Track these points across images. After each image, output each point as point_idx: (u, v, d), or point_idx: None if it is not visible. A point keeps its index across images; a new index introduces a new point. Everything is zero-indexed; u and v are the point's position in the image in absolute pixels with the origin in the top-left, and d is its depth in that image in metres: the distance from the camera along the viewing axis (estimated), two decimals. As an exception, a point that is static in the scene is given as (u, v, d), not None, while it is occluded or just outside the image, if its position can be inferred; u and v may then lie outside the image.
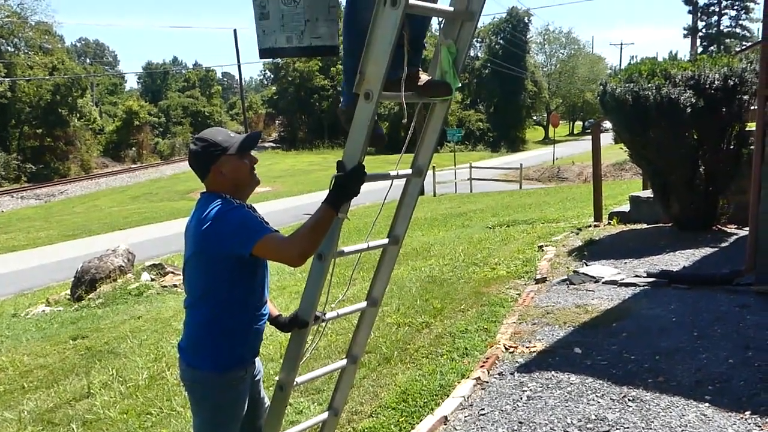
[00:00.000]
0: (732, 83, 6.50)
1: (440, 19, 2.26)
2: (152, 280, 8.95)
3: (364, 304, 2.67)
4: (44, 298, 9.52)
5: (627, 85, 6.80)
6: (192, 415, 2.51)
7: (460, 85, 2.30)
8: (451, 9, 2.20)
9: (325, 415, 2.98)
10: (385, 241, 2.55)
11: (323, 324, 2.53)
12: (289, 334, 2.52)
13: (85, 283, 8.88)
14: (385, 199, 2.61)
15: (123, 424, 3.89)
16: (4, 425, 4.15)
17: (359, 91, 2.03)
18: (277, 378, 2.60)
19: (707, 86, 6.50)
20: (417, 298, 5.74)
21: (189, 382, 2.39)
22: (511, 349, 4.24)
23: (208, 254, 2.20)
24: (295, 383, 2.57)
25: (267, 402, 2.65)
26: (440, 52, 2.25)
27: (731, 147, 6.81)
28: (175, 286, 8.61)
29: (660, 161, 6.91)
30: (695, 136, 6.78)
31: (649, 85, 6.63)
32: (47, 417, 4.20)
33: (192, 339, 2.34)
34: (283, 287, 7.43)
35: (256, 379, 2.53)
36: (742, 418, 3.05)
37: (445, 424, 3.33)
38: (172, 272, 9.11)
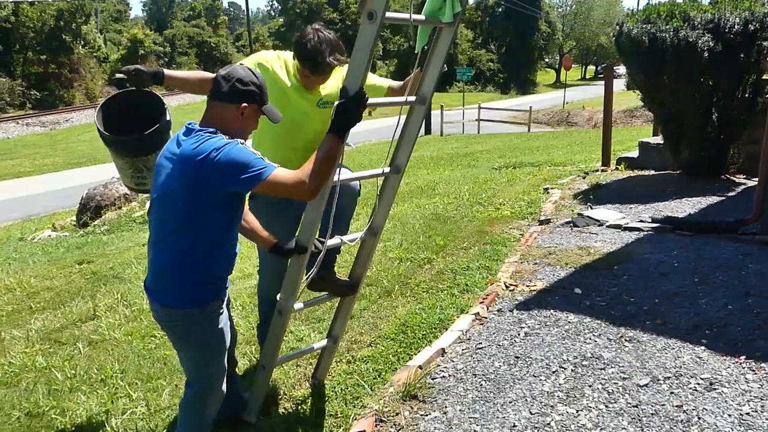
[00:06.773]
0: (752, 28, 6.30)
1: None
2: (157, 209, 8.98)
3: (362, 233, 2.68)
4: (50, 223, 9.60)
5: (644, 26, 6.59)
6: (177, 351, 2.44)
7: (460, 9, 2.20)
8: None
9: (324, 342, 3.03)
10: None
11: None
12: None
13: (90, 209, 8.94)
14: (394, 135, 2.55)
15: (127, 345, 3.96)
16: (13, 343, 4.23)
17: (363, 11, 1.96)
18: (277, 305, 2.64)
19: (726, 30, 6.29)
20: (420, 235, 5.75)
21: (167, 322, 2.29)
22: (512, 287, 4.27)
23: (197, 189, 2.07)
24: (294, 309, 2.61)
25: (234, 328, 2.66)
26: None
27: (746, 95, 6.66)
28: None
29: (673, 106, 6.77)
30: (710, 82, 6.62)
31: (667, 27, 6.42)
32: (54, 336, 4.28)
33: (162, 277, 2.22)
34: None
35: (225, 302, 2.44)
36: (736, 362, 3.07)
37: (443, 356, 3.38)
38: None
